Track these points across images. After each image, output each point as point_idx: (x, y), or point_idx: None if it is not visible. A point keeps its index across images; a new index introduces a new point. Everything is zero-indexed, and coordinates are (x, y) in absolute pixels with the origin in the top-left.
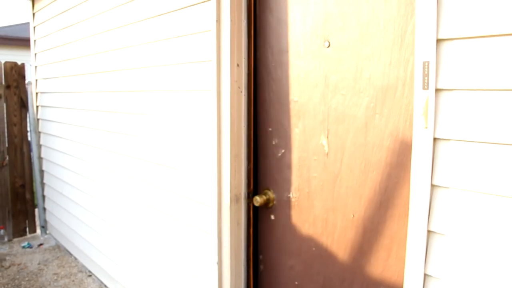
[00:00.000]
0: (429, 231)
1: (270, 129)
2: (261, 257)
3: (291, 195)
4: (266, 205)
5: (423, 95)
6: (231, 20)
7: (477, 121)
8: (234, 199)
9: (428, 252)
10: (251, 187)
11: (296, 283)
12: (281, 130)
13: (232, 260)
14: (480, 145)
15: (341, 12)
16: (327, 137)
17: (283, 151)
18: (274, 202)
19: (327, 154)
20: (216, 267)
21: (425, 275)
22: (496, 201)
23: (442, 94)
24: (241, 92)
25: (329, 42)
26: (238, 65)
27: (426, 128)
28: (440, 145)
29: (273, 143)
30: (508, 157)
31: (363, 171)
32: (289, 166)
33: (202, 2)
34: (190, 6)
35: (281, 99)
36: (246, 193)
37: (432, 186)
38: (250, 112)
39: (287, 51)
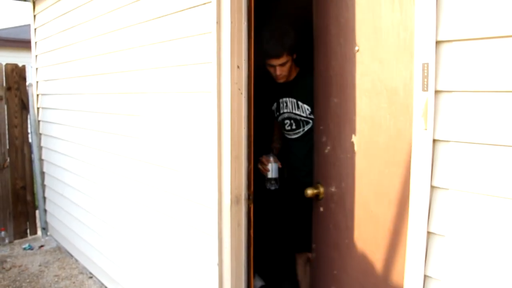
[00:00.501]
0: (429, 232)
1: (321, 127)
2: (314, 246)
3: (333, 189)
4: (316, 197)
5: (422, 96)
6: (231, 22)
7: (477, 123)
8: (235, 201)
9: (428, 254)
10: (252, 188)
11: (335, 272)
12: (331, 129)
13: (232, 261)
14: (479, 147)
15: (365, 19)
16: (356, 136)
17: (328, 147)
18: (323, 195)
19: (356, 152)
20: (216, 268)
21: (425, 276)
22: (496, 203)
23: (442, 96)
24: (242, 94)
25: (358, 47)
26: (238, 67)
27: (426, 129)
28: (440, 146)
29: (322, 140)
30: (508, 159)
31: (379, 169)
32: (332, 163)
33: (203, 4)
34: (191, 8)
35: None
36: (246, 194)
37: (432, 187)
38: (251, 113)
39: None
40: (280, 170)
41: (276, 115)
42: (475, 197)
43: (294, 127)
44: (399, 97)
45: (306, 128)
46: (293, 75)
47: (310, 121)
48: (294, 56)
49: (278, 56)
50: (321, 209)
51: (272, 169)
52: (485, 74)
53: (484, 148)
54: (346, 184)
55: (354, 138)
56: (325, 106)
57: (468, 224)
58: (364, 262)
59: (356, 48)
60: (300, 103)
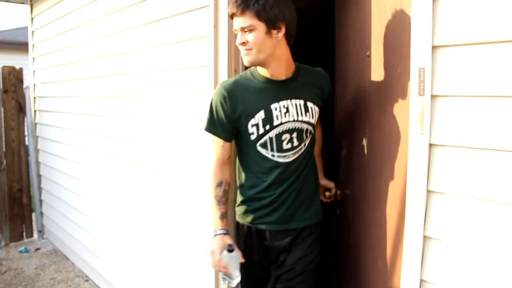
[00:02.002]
0: (425, 237)
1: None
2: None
3: (348, 191)
4: (334, 199)
5: (419, 101)
6: (228, 26)
7: (473, 127)
8: (231, 205)
9: (424, 258)
10: None
11: (347, 273)
12: (344, 132)
13: None
14: (475, 151)
15: (372, 24)
16: (367, 139)
17: (345, 150)
18: (340, 197)
19: (366, 154)
20: (213, 272)
21: (421, 280)
22: (492, 207)
23: (438, 100)
24: None
25: (369, 51)
26: (235, 70)
27: (422, 134)
28: (436, 151)
29: (341, 142)
30: (504, 163)
31: (381, 171)
32: (347, 165)
33: (200, 8)
34: (188, 11)
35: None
36: None
37: (428, 191)
38: None
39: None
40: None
41: (258, 134)
42: (471, 202)
43: (296, 143)
44: (401, 102)
45: (307, 141)
46: (290, 69)
47: (313, 129)
48: (279, 32)
49: (239, 12)
50: (338, 210)
51: (234, 276)
52: (481, 79)
53: (480, 152)
54: (358, 187)
55: (365, 142)
56: (345, 108)
57: (464, 229)
58: (369, 265)
59: (367, 52)
60: (310, 105)
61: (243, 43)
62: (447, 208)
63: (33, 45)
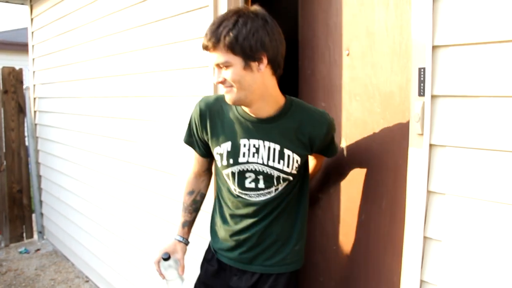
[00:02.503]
0: (425, 237)
1: None
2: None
3: (319, 195)
4: None
5: (419, 101)
6: None
7: (473, 128)
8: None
9: (424, 259)
10: None
11: (321, 279)
12: None
13: None
14: (476, 152)
15: (356, 22)
16: (346, 141)
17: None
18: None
19: (345, 156)
20: None
21: (422, 281)
22: (492, 208)
23: (438, 101)
24: None
25: (349, 51)
26: None
27: (422, 134)
28: (436, 151)
29: None
30: (504, 164)
31: (370, 174)
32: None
33: (199, 8)
34: (188, 12)
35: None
36: None
37: (428, 192)
38: None
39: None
40: None
41: (223, 163)
42: (471, 202)
43: (261, 185)
44: (394, 102)
45: (281, 188)
46: (276, 106)
47: (291, 178)
48: (260, 64)
49: (210, 47)
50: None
51: (170, 285)
52: (482, 79)
53: (480, 153)
54: (336, 190)
55: (344, 143)
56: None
57: (464, 229)
58: (352, 268)
59: (346, 52)
60: (287, 152)
61: (221, 82)
62: (448, 208)
63: (33, 45)
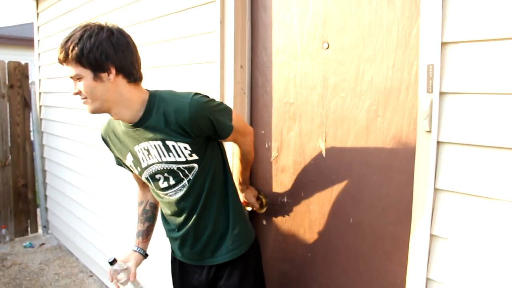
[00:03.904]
0: (432, 235)
1: (263, 131)
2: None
3: (285, 200)
4: (263, 207)
5: (427, 98)
6: (235, 21)
7: (482, 125)
8: None
9: (430, 257)
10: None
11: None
12: (275, 132)
13: None
14: (484, 149)
15: (342, 13)
16: (325, 140)
17: (276, 154)
18: (267, 206)
19: (324, 157)
20: None
21: (428, 279)
22: (500, 206)
23: (446, 98)
24: (245, 93)
25: (328, 44)
26: (241, 66)
27: (430, 131)
28: (444, 148)
29: (266, 146)
30: None
31: (363, 175)
32: (283, 170)
33: (206, 3)
34: (194, 7)
35: (276, 101)
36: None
37: (436, 189)
38: (253, 114)
39: (283, 52)
40: None
41: (135, 172)
42: (479, 200)
43: (172, 182)
44: (395, 99)
45: (192, 177)
46: (140, 110)
47: (195, 164)
48: (110, 74)
49: (62, 60)
50: (264, 222)
51: None
52: (491, 76)
53: (489, 150)
54: (309, 193)
55: (322, 143)
56: (266, 110)
57: (472, 227)
58: (339, 275)
59: (325, 45)
60: (170, 143)
61: (77, 93)
62: (455, 206)
63: (38, 40)
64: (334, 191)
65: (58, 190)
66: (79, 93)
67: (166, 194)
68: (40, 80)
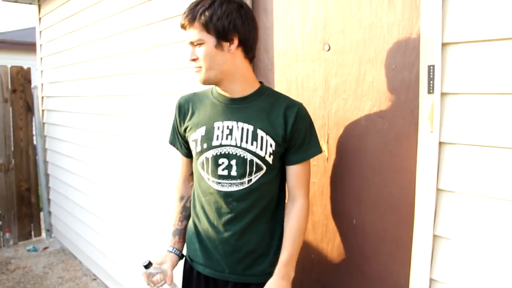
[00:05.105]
0: (435, 236)
1: None
2: None
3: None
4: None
5: (428, 99)
6: None
7: (483, 125)
8: None
9: (434, 257)
10: None
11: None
12: None
13: None
14: (486, 149)
15: (343, 15)
16: (327, 142)
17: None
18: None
19: (327, 159)
20: None
21: (431, 279)
22: (503, 206)
23: (448, 98)
24: None
25: (329, 46)
26: None
27: (432, 132)
28: (446, 149)
29: None
30: None
31: (365, 176)
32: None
33: None
34: None
35: None
36: None
37: (438, 190)
38: None
39: (284, 54)
40: None
41: (197, 149)
42: (482, 200)
43: (234, 173)
44: (396, 100)
45: (256, 178)
46: (249, 88)
47: (265, 167)
48: (231, 44)
49: (186, 25)
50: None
51: None
52: (493, 76)
53: (491, 150)
54: (312, 194)
55: (324, 145)
56: None
57: (474, 227)
58: (342, 275)
59: (326, 46)
60: (261, 133)
61: (194, 60)
62: (457, 206)
63: (40, 45)
64: (337, 192)
65: (61, 193)
66: (196, 59)
67: (219, 184)
68: (42, 84)
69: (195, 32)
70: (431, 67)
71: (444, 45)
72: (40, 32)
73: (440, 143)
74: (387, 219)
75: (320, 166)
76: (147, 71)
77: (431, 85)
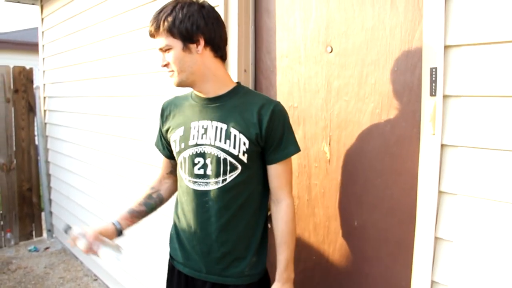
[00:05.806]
0: (436, 238)
1: None
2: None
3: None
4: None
5: (430, 101)
6: (238, 26)
7: (486, 128)
8: None
9: (435, 259)
10: None
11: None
12: None
13: None
14: (488, 152)
15: (345, 17)
16: (329, 144)
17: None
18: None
19: (329, 161)
20: None
21: (432, 282)
22: (504, 208)
23: (450, 101)
24: None
25: (331, 48)
26: (245, 70)
27: (434, 134)
28: (448, 151)
29: None
30: None
31: (367, 178)
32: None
33: None
34: None
35: None
36: None
37: (440, 192)
38: None
39: (286, 56)
40: None
41: (176, 149)
42: (483, 203)
43: (209, 172)
44: (398, 102)
45: (231, 178)
46: (223, 87)
47: (240, 166)
48: (198, 45)
49: (153, 33)
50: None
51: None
52: (495, 79)
53: (493, 153)
54: (314, 196)
55: (326, 147)
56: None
57: (476, 230)
58: (344, 277)
59: (329, 48)
60: (234, 132)
61: (166, 65)
62: (459, 209)
63: (43, 45)
64: (339, 194)
65: (62, 194)
66: (167, 65)
67: (195, 183)
68: (44, 84)
69: (162, 39)
70: (434, 70)
71: (446, 47)
72: (43, 32)
73: (442, 146)
74: (388, 221)
75: (322, 168)
76: (149, 72)
77: (434, 87)
